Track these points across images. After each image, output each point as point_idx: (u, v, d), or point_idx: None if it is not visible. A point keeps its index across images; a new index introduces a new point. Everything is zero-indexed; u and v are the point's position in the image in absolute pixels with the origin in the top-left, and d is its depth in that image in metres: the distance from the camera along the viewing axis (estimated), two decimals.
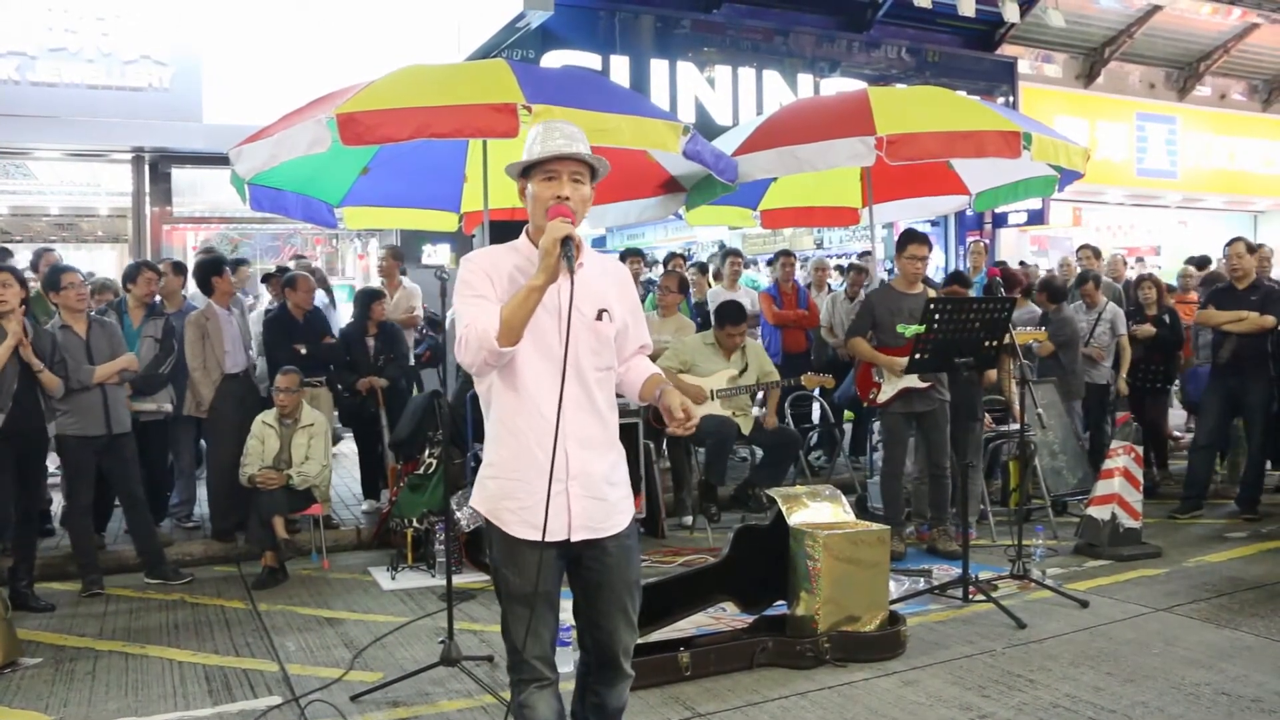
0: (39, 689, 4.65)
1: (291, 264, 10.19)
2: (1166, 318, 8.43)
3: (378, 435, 7.81)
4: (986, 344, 5.75)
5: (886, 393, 6.56)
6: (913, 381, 6.39)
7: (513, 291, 2.75)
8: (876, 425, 8.26)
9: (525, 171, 2.88)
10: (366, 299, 7.93)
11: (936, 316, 5.61)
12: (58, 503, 7.01)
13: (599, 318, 2.85)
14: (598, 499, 2.85)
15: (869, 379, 6.71)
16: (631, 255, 10.10)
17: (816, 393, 8.19)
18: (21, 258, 8.83)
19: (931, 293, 6.64)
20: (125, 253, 11.03)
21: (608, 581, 2.89)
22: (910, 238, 6.70)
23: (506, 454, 2.84)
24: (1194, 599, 5.64)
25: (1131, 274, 11.05)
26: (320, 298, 8.73)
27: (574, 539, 2.82)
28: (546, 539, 2.76)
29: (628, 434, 7.04)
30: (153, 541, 6.48)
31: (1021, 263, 12.08)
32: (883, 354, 6.51)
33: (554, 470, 2.73)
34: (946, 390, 6.55)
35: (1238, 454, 8.33)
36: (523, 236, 2.93)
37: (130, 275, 7.15)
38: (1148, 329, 8.36)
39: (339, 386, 7.73)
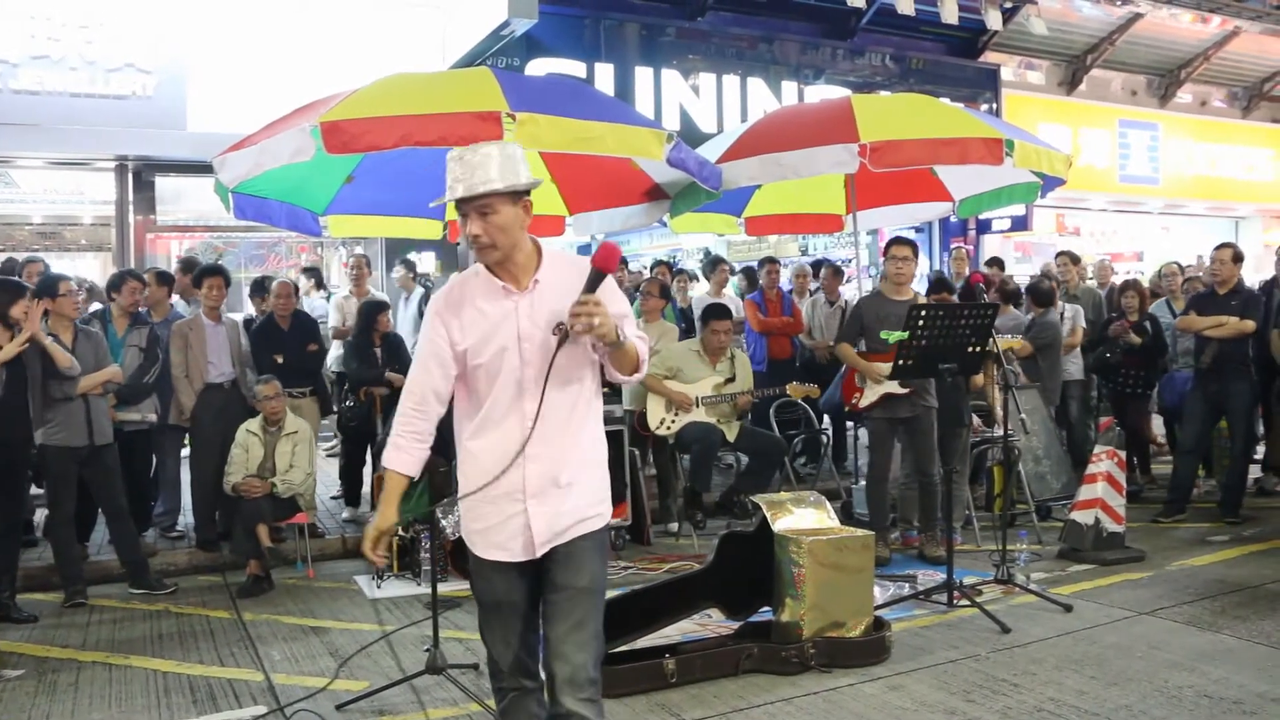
0: (21, 701, 4.62)
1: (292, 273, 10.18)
2: (1147, 324, 8.48)
3: (365, 444, 7.78)
4: (970, 349, 5.78)
5: (868, 398, 6.59)
6: (893, 387, 6.41)
7: (473, 324, 2.83)
8: (861, 430, 8.30)
9: None
10: (372, 311, 7.90)
11: (919, 323, 5.64)
12: (40, 513, 6.98)
13: (555, 333, 2.77)
14: (559, 512, 2.84)
15: (853, 385, 6.74)
16: None
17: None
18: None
19: (922, 299, 6.67)
20: (109, 261, 10.98)
21: (554, 587, 2.85)
22: (893, 241, 6.79)
23: (472, 474, 2.88)
24: (1177, 602, 5.67)
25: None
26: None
27: (539, 555, 2.84)
28: (509, 560, 2.84)
29: (613, 441, 7.08)
30: (136, 552, 6.45)
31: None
32: (866, 360, 6.54)
33: (512, 490, 2.81)
34: (933, 397, 6.56)
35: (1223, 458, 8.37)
36: (481, 263, 2.91)
37: (115, 284, 7.12)
38: (1132, 337, 8.41)
39: (346, 401, 7.71)
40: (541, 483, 2.82)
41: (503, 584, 2.89)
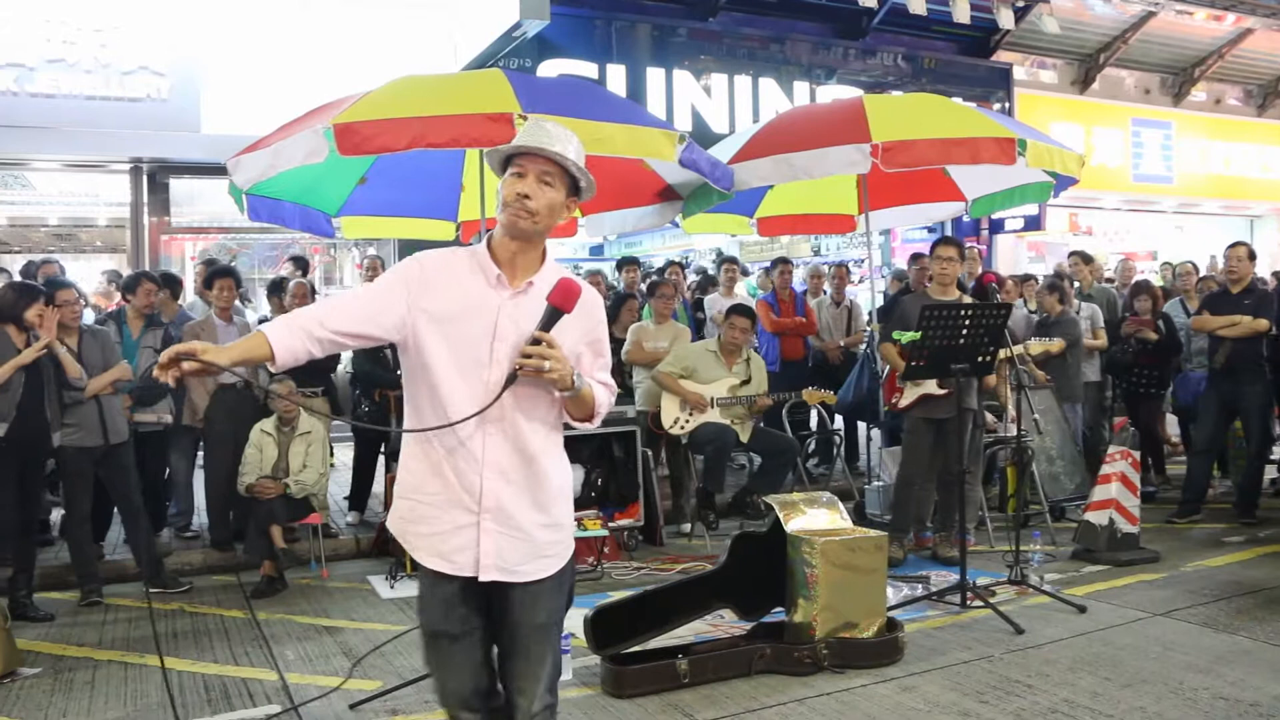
0: (38, 699, 4.65)
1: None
2: (1161, 323, 8.46)
3: (377, 448, 7.81)
4: (981, 355, 5.75)
5: (908, 398, 6.55)
6: (931, 388, 6.36)
7: (449, 297, 2.57)
8: (876, 433, 8.29)
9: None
10: None
11: (931, 323, 5.62)
12: (56, 512, 7.02)
13: (534, 343, 2.52)
14: (517, 538, 2.60)
15: (894, 384, 6.69)
16: (627, 264, 10.10)
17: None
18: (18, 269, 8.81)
19: (968, 299, 6.63)
20: (123, 263, 11.05)
21: (509, 622, 2.65)
22: (940, 241, 6.68)
23: (420, 471, 2.65)
24: (1192, 603, 5.65)
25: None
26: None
27: (482, 578, 2.58)
28: (453, 573, 2.60)
29: (626, 441, 7.12)
30: (151, 551, 6.48)
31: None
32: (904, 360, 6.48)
33: (467, 498, 2.58)
34: (972, 398, 6.39)
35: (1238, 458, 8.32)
36: (484, 243, 2.68)
37: (130, 286, 7.16)
38: (1149, 333, 8.37)
39: (362, 405, 7.73)
40: (498, 498, 2.58)
41: (441, 606, 2.64)
